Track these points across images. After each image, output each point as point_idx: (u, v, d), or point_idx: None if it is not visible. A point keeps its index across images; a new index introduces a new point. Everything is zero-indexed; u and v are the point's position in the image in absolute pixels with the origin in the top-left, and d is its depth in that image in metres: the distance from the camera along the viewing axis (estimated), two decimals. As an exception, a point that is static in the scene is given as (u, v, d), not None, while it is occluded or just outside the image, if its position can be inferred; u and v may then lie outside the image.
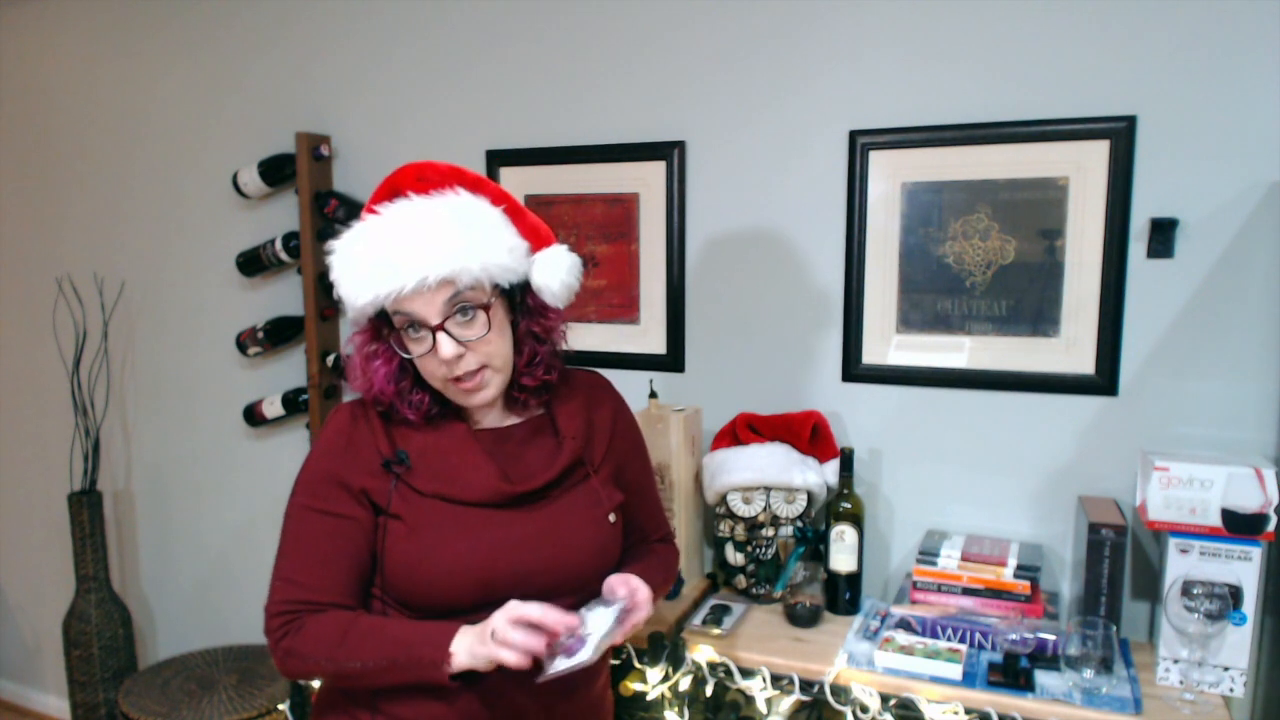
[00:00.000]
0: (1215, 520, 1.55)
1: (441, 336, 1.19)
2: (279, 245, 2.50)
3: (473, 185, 1.25)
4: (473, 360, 1.21)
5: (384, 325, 1.25)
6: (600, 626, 1.16)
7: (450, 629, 1.17)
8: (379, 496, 1.24)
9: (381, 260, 1.17)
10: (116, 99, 2.81)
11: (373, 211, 1.22)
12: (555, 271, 1.28)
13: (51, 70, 2.91)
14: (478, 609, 1.19)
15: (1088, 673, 1.51)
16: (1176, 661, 1.57)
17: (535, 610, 1.12)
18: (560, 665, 1.13)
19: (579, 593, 1.26)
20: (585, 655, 1.13)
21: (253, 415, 2.64)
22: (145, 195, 2.81)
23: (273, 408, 2.60)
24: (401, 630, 1.20)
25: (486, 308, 1.21)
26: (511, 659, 1.10)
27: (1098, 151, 1.74)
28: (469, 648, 1.14)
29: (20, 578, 3.30)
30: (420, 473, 1.25)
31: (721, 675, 1.70)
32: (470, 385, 1.23)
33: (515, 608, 1.13)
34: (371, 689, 1.23)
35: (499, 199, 1.27)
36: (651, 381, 2.10)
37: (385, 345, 1.25)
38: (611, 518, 1.33)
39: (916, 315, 1.92)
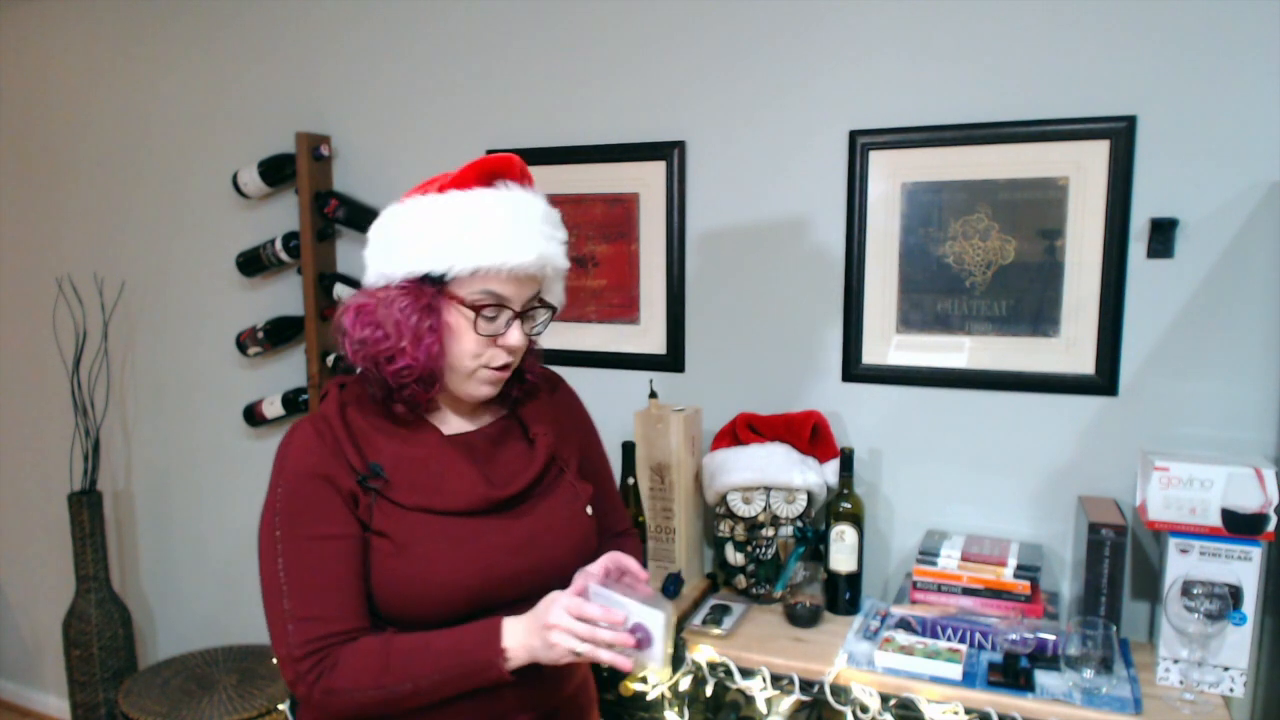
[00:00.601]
0: (1215, 520, 1.55)
1: (517, 324, 1.20)
2: (279, 245, 2.50)
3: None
4: (516, 355, 1.24)
5: (434, 295, 1.17)
6: (657, 621, 1.14)
7: (494, 626, 1.14)
8: (363, 513, 1.18)
9: (505, 231, 1.16)
10: (117, 99, 2.81)
11: (474, 185, 1.19)
12: (561, 299, 1.32)
13: (52, 70, 2.91)
14: (470, 618, 1.18)
15: (1088, 673, 1.51)
16: (1176, 661, 1.57)
17: (593, 609, 1.12)
18: (642, 656, 1.14)
19: (561, 588, 1.21)
20: (659, 649, 1.14)
21: (253, 415, 2.64)
22: (145, 195, 2.81)
23: (273, 408, 2.60)
24: (444, 640, 1.15)
25: (554, 310, 1.27)
26: (582, 648, 1.10)
27: (1098, 151, 1.74)
28: (523, 642, 1.13)
29: (20, 578, 3.30)
30: (399, 485, 1.19)
31: (721, 675, 1.70)
32: (501, 376, 1.24)
33: (574, 604, 1.12)
34: (420, 707, 1.16)
35: None
36: (651, 381, 2.10)
37: (438, 317, 1.17)
38: (589, 510, 1.33)
39: (916, 315, 1.92)
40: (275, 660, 1.19)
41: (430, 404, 1.26)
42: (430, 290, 1.17)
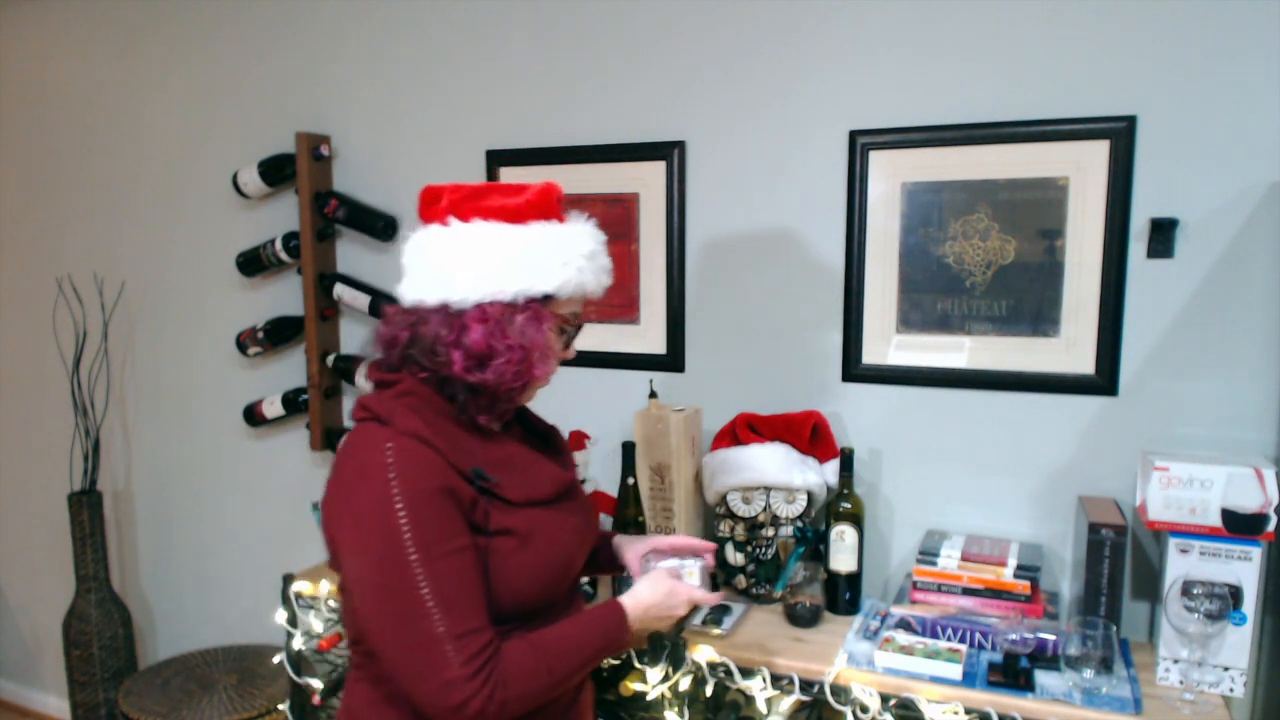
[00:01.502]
0: (1215, 520, 1.55)
1: (580, 335, 1.36)
2: (279, 245, 2.50)
3: None
4: None
5: (545, 312, 1.27)
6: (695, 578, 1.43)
7: (615, 606, 1.30)
8: (479, 519, 1.19)
9: (598, 259, 1.31)
10: (116, 99, 2.81)
11: (560, 216, 1.29)
12: None
13: (51, 70, 2.91)
14: (568, 594, 1.33)
15: (1088, 673, 1.51)
16: (1176, 661, 1.57)
17: (702, 594, 1.38)
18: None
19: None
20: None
21: (253, 415, 2.64)
22: (145, 195, 2.81)
23: (273, 408, 2.60)
24: (577, 629, 1.26)
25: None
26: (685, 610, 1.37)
27: (1098, 151, 1.74)
28: (639, 618, 1.31)
29: (20, 578, 3.31)
30: (505, 483, 1.22)
31: (721, 675, 1.70)
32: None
33: (683, 588, 1.36)
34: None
35: None
36: (651, 381, 2.10)
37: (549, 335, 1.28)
38: None
39: (917, 315, 1.92)
40: (417, 692, 1.12)
41: None
42: (537, 307, 1.25)
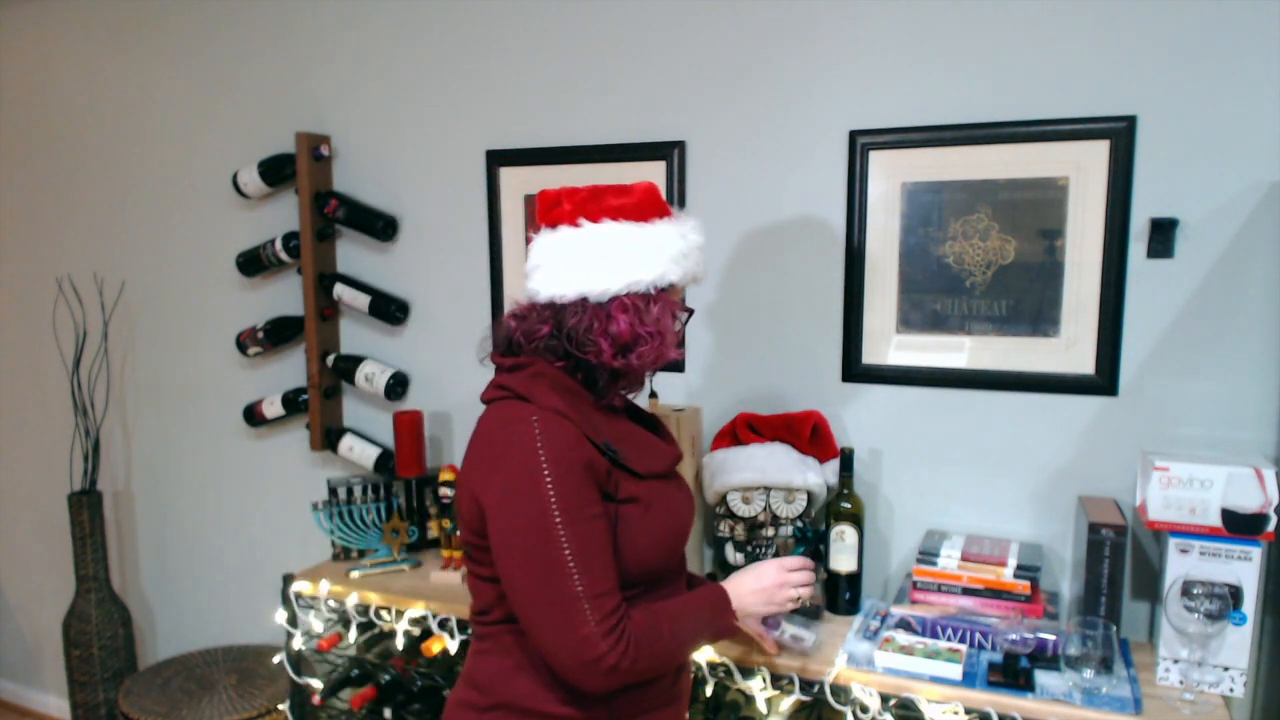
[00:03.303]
0: (1215, 520, 1.55)
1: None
2: (279, 245, 2.50)
3: None
4: None
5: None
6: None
7: (719, 590, 1.43)
8: (610, 488, 1.29)
9: (701, 251, 1.41)
10: (116, 99, 2.81)
11: (664, 212, 1.38)
12: None
13: (51, 70, 2.91)
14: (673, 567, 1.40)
15: (1088, 673, 1.51)
16: (1176, 661, 1.57)
17: (802, 580, 1.53)
18: (798, 635, 1.66)
19: None
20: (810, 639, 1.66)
21: (253, 415, 2.64)
22: (145, 195, 2.81)
23: (273, 408, 2.60)
24: (689, 605, 1.36)
25: None
26: (805, 593, 1.53)
27: (1098, 151, 1.74)
28: (745, 606, 1.46)
29: (20, 578, 3.31)
30: (630, 457, 1.32)
31: (721, 675, 1.70)
32: None
33: (788, 562, 1.52)
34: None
35: None
36: (651, 381, 2.10)
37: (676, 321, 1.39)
38: None
39: (916, 315, 1.92)
40: (556, 646, 1.21)
41: None
42: (665, 296, 1.35)
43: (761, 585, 1.48)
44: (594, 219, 1.32)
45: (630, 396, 1.49)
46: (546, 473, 1.22)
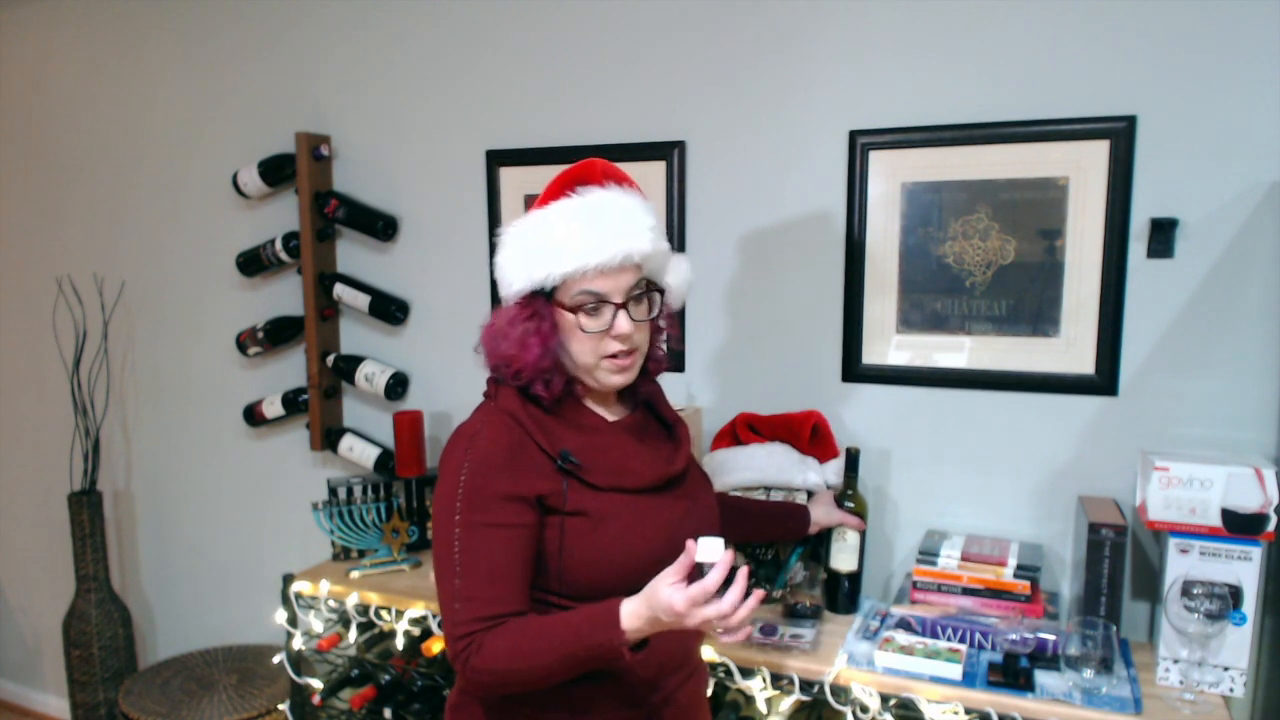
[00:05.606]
0: (1215, 520, 1.55)
1: (622, 314, 1.29)
2: (279, 245, 2.50)
3: (639, 191, 1.36)
4: (631, 342, 1.31)
5: (543, 304, 1.29)
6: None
7: (612, 607, 1.19)
8: (554, 499, 1.27)
9: (587, 236, 1.25)
10: (116, 99, 2.81)
11: (556, 198, 1.30)
12: (684, 275, 1.42)
13: (51, 70, 2.91)
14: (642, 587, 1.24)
15: (1088, 673, 1.51)
16: (1176, 661, 1.57)
17: (718, 589, 1.17)
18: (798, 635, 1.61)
19: None
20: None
21: (253, 415, 2.64)
22: (145, 195, 2.81)
23: (273, 408, 2.60)
24: (567, 621, 1.21)
25: (662, 292, 1.35)
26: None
27: (1098, 151, 1.74)
28: (640, 617, 1.16)
29: (20, 578, 3.31)
30: (592, 468, 1.29)
31: (721, 675, 1.70)
32: (625, 364, 1.32)
33: (692, 594, 1.14)
34: (556, 686, 1.25)
35: None
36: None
37: (543, 323, 1.29)
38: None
39: (916, 315, 1.92)
40: (445, 638, 1.27)
41: (578, 397, 1.36)
42: (540, 301, 1.29)
43: (647, 600, 1.19)
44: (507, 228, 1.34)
45: (642, 395, 1.45)
46: (463, 473, 1.25)
